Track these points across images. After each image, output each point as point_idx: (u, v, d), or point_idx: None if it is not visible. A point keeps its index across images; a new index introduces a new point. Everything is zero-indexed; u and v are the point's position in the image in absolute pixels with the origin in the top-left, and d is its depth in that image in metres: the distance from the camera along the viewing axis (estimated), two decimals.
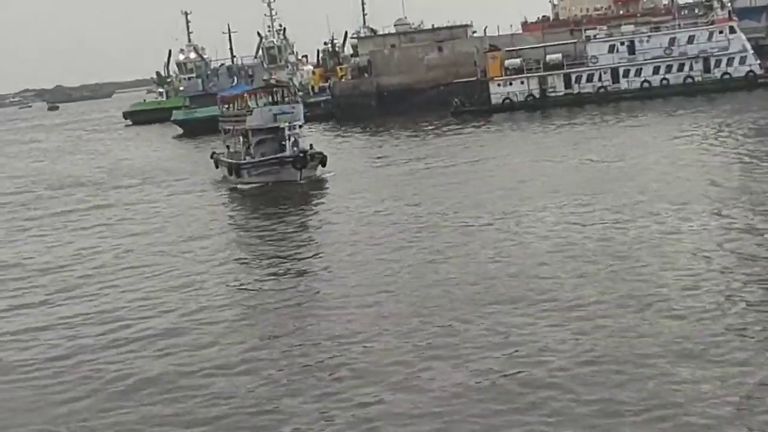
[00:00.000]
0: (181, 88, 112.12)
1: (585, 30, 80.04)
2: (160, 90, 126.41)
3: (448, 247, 25.61)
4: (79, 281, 26.13)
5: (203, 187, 46.63)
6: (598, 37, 76.05)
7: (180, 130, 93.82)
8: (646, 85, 73.24)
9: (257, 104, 47.03)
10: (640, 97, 71.37)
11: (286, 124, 43.33)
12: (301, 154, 42.76)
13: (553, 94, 75.10)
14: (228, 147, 49.87)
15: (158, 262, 27.52)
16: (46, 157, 79.05)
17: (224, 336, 19.35)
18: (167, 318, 21.24)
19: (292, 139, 43.24)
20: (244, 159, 45.18)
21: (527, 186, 35.29)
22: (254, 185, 43.30)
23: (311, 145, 45.33)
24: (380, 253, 25.46)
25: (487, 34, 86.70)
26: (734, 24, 73.26)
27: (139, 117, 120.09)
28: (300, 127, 44.83)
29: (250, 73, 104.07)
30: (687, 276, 20.22)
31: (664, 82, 72.96)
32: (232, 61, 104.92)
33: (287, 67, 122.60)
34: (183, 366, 17.80)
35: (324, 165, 44.32)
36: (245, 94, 49.52)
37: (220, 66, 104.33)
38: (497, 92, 76.05)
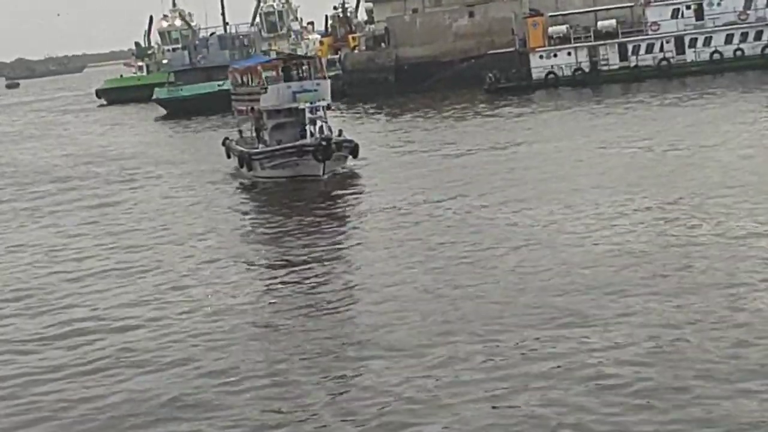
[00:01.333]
0: (165, 62, 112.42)
1: None
2: (140, 64, 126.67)
3: (494, 250, 25.75)
4: (64, 300, 25.63)
5: (205, 179, 45.83)
6: None
7: (163, 111, 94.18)
8: (716, 56, 72.81)
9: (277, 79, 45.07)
10: (709, 71, 71.02)
11: (307, 104, 41.64)
12: (324, 143, 40.68)
13: (605, 68, 74.87)
14: (241, 132, 48.87)
15: (161, 280, 27.03)
16: (6, 144, 79.12)
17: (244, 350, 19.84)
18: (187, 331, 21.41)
19: (318, 123, 41.58)
20: (257, 147, 43.80)
21: (579, 178, 35.24)
22: (269, 179, 42.13)
23: (340, 131, 43.97)
24: (420, 265, 25.36)
25: None
26: None
27: (114, 95, 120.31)
28: (327, 108, 42.99)
29: (246, 43, 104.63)
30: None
31: (739, 52, 72.56)
32: (225, 29, 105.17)
33: (290, 36, 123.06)
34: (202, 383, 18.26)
35: (356, 156, 43.12)
36: (259, 67, 47.42)
37: (210, 35, 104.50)
38: (539, 65, 75.97)
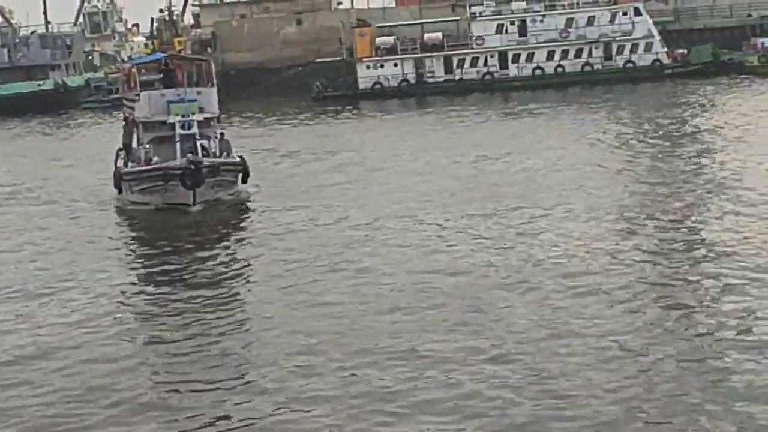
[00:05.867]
0: None
1: (469, 6, 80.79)
2: None
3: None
4: None
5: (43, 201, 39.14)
6: (484, 14, 76.84)
7: None
8: (538, 72, 74.45)
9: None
10: (531, 87, 72.47)
11: (178, 117, 34.30)
12: (192, 166, 32.56)
13: (431, 80, 75.65)
14: (126, 145, 39.10)
15: None
16: None
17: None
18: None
19: (207, 139, 34.91)
20: (127, 166, 36.21)
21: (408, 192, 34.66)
22: (138, 206, 34.84)
23: (226, 148, 35.77)
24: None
25: (355, 7, 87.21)
26: (639, 5, 75.35)
27: None
28: (215, 121, 36.37)
29: (68, 43, 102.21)
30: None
31: (560, 69, 74.43)
32: (47, 28, 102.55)
33: (114, 37, 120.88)
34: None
35: (245, 180, 35.33)
36: (133, 69, 39.48)
37: (31, 33, 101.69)
38: (366, 75, 76.10)
